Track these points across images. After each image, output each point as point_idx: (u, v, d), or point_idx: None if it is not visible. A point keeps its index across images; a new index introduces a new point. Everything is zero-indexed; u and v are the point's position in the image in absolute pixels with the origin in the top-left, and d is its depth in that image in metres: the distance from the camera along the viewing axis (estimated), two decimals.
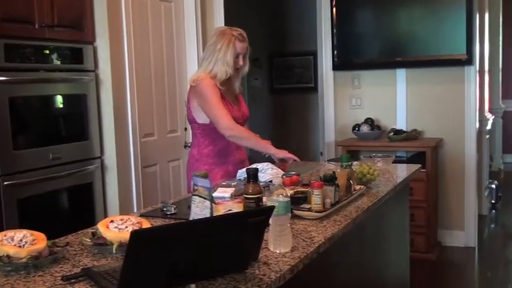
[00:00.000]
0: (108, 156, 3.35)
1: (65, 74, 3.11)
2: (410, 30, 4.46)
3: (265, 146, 2.66)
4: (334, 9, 4.64)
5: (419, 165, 3.10)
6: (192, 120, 2.71)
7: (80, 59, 3.20)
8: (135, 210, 3.36)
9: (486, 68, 5.62)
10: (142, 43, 3.64)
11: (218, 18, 4.22)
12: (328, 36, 4.73)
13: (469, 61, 4.29)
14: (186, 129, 3.93)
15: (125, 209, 3.38)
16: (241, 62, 2.66)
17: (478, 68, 4.49)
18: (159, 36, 3.81)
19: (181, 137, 4.03)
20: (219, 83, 2.61)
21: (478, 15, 4.47)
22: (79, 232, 1.79)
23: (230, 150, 2.69)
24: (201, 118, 2.65)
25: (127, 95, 3.45)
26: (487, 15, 5.60)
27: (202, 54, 2.79)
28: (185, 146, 4.01)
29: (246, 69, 2.73)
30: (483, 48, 5.23)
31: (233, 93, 2.77)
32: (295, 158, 2.62)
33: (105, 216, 3.31)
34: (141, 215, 1.98)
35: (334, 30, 4.66)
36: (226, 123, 2.55)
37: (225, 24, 4.07)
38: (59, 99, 3.12)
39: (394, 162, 2.97)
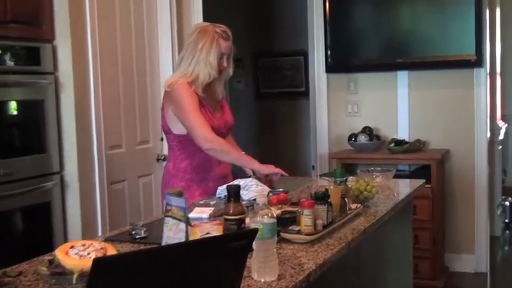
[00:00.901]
0: (69, 171, 3.34)
1: (19, 77, 3.09)
2: (413, 28, 4.52)
3: (249, 161, 2.66)
4: (327, 3, 4.67)
5: (424, 181, 3.13)
6: (167, 131, 2.71)
7: (36, 59, 3.18)
8: (100, 234, 3.33)
9: (498, 69, 5.69)
10: (109, 42, 3.63)
11: (196, 13, 4.22)
12: (320, 34, 4.77)
13: (478, 62, 4.35)
14: (162, 139, 3.92)
15: (88, 232, 3.35)
16: (225, 63, 2.67)
17: (488, 70, 4.55)
18: (128, 34, 3.81)
19: (154, 149, 4.02)
20: (201, 87, 2.62)
21: (488, 11, 4.53)
22: (34, 259, 1.77)
23: (210, 164, 2.70)
24: (177, 128, 2.65)
25: (91, 101, 3.44)
26: (498, 11, 5.69)
27: (179, 54, 2.79)
28: (158, 160, 4.00)
29: (230, 71, 2.74)
30: (494, 47, 5.30)
31: (215, 99, 2.78)
32: (283, 172, 2.63)
33: (65, 241, 3.27)
34: (107, 240, 1.97)
35: (328, 27, 4.69)
36: (204, 134, 2.55)
37: (204, 20, 4.08)
38: (12, 106, 3.10)
39: (395, 177, 2.98)
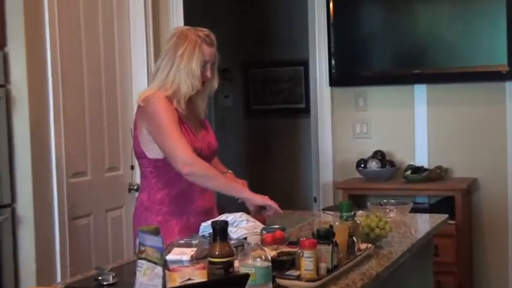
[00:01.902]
0: (22, 203, 3.32)
1: None
2: (434, 33, 4.55)
3: (238, 189, 2.67)
4: (331, 3, 4.70)
5: (447, 216, 3.14)
6: (140, 155, 2.71)
7: None
8: (59, 280, 3.31)
9: None
10: (73, 48, 3.64)
11: (175, 16, 4.23)
12: (323, 40, 4.80)
13: (511, 74, 4.37)
14: (132, 167, 3.93)
15: (44, 277, 3.32)
16: (208, 74, 2.69)
17: None
18: (95, 40, 3.83)
19: (125, 177, 4.02)
20: (183, 101, 2.64)
21: None
22: None
23: (192, 195, 2.70)
24: (153, 151, 2.66)
25: (50, 119, 3.42)
26: None
27: (156, 63, 2.81)
28: (130, 190, 3.99)
29: (215, 84, 2.77)
30: None
31: (196, 117, 2.79)
32: (278, 208, 2.62)
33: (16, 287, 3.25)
34: (67, 287, 1.96)
35: (332, 32, 4.72)
36: (184, 157, 2.56)
37: (185, 24, 4.11)
38: None
39: (413, 211, 2.99)
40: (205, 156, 2.70)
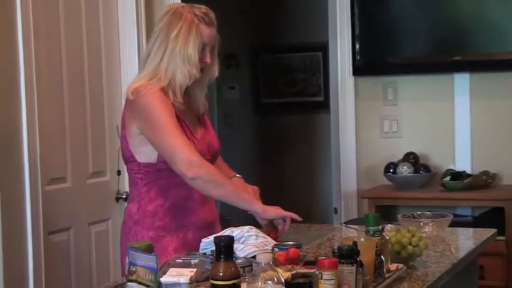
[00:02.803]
0: None
1: None
2: (478, 14, 4.54)
3: (248, 199, 2.67)
4: None
5: (495, 230, 3.12)
6: (128, 158, 2.72)
7: None
8: None
9: None
10: (49, 34, 3.65)
11: None
12: (345, 21, 4.80)
13: None
14: (119, 172, 3.93)
15: None
16: (208, 59, 2.69)
17: None
18: (76, 18, 3.83)
19: (112, 183, 4.03)
20: (180, 93, 2.64)
21: None
22: None
23: (191, 205, 2.71)
24: (144, 154, 2.67)
25: (22, 116, 3.44)
26: None
27: (146, 47, 2.82)
28: (118, 199, 4.00)
29: (216, 70, 2.77)
30: None
31: (194, 112, 2.80)
32: (294, 215, 2.63)
33: None
34: None
35: (356, 12, 4.73)
36: (188, 157, 2.56)
37: (184, 2, 4.10)
38: None
39: (453, 224, 2.99)
40: (207, 160, 2.69)
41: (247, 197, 2.70)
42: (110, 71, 4.05)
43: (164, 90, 2.64)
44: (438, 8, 4.61)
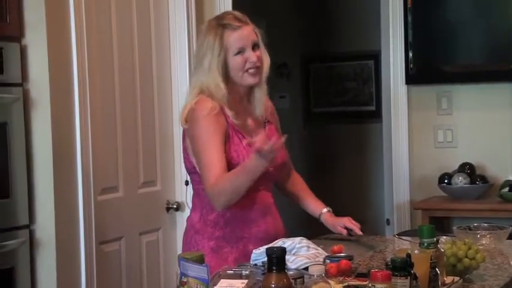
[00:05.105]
0: (42, 224, 3.34)
1: None
2: None
3: (247, 165, 2.59)
4: None
5: None
6: (190, 169, 2.77)
7: None
8: None
9: None
10: (102, 41, 3.68)
11: (222, 3, 4.18)
12: (398, 28, 4.78)
13: None
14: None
15: None
16: (253, 58, 2.69)
17: None
18: (128, 32, 3.86)
19: (163, 193, 4.04)
20: (224, 103, 2.67)
21: None
22: None
23: (252, 216, 2.74)
24: None
25: (75, 124, 3.45)
26: None
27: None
28: (168, 209, 4.02)
29: (266, 66, 2.77)
30: None
31: (258, 119, 2.81)
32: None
33: None
34: None
35: (410, 19, 4.71)
36: (210, 180, 2.59)
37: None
38: None
39: (511, 237, 2.95)
40: (270, 175, 2.70)
41: (245, 164, 2.62)
42: (160, 79, 4.07)
43: (210, 101, 2.67)
44: (494, 16, 4.59)
